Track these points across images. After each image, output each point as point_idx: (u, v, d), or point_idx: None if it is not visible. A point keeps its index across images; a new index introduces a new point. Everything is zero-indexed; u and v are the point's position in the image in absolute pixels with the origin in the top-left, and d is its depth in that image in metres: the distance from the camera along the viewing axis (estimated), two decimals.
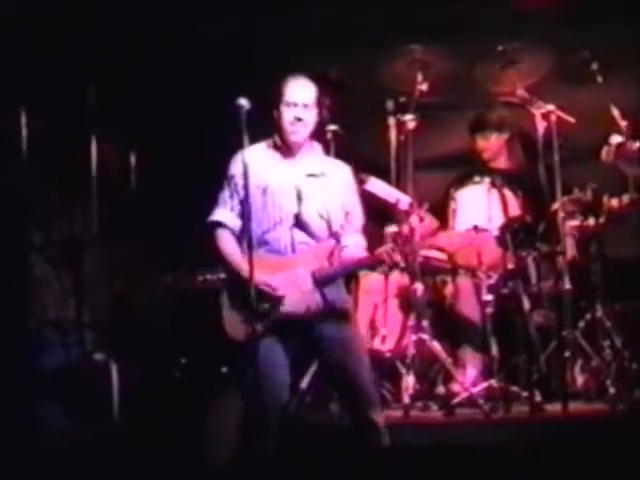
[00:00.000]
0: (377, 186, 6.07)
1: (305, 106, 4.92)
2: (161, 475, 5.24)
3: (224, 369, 5.98)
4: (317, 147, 5.13)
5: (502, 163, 6.67)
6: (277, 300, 4.83)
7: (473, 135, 6.70)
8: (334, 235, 4.97)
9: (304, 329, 4.87)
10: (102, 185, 6.48)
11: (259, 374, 4.62)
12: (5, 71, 6.12)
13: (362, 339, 5.32)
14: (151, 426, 5.63)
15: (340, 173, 5.10)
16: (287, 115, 4.92)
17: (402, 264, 5.25)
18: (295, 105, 4.91)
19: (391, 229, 6.02)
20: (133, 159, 6.81)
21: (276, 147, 5.03)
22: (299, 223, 4.93)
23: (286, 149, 5.00)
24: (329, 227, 4.97)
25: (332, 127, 6.24)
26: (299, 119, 4.91)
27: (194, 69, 6.95)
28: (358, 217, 5.07)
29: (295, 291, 4.85)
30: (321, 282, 4.88)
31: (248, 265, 4.64)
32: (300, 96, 4.93)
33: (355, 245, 5.00)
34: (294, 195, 4.94)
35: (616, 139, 6.04)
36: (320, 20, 6.81)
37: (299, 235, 4.93)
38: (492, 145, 6.65)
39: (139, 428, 5.65)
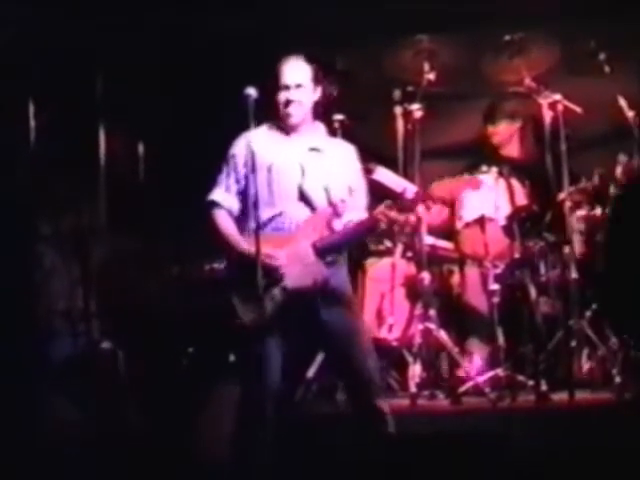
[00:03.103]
0: (384, 175, 6.07)
1: (298, 86, 4.90)
2: (168, 464, 5.26)
3: (232, 357, 5.99)
4: (320, 126, 5.09)
5: (511, 151, 6.66)
6: (278, 270, 4.78)
7: (485, 124, 6.70)
8: (332, 205, 4.92)
9: (308, 316, 4.83)
10: (110, 176, 6.50)
11: (255, 357, 4.64)
12: (13, 63, 6.14)
13: (365, 327, 5.30)
14: (158, 415, 5.65)
15: (343, 151, 5.08)
16: (281, 98, 4.92)
17: (400, 223, 5.16)
18: (287, 88, 4.90)
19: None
20: (141, 150, 6.83)
21: (278, 127, 5.01)
22: (304, 197, 4.90)
23: (288, 128, 4.99)
24: (330, 200, 4.94)
25: (339, 116, 6.25)
26: (290, 101, 4.89)
27: (203, 60, 6.96)
28: (362, 195, 5.03)
29: (299, 265, 4.79)
30: (323, 252, 4.83)
31: (255, 245, 4.62)
32: (291, 77, 4.91)
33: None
34: (298, 170, 4.92)
35: (623, 158, 6.08)
36: (328, 10, 6.81)
37: (304, 211, 4.90)
38: (502, 130, 6.64)
39: (146, 417, 5.66)
